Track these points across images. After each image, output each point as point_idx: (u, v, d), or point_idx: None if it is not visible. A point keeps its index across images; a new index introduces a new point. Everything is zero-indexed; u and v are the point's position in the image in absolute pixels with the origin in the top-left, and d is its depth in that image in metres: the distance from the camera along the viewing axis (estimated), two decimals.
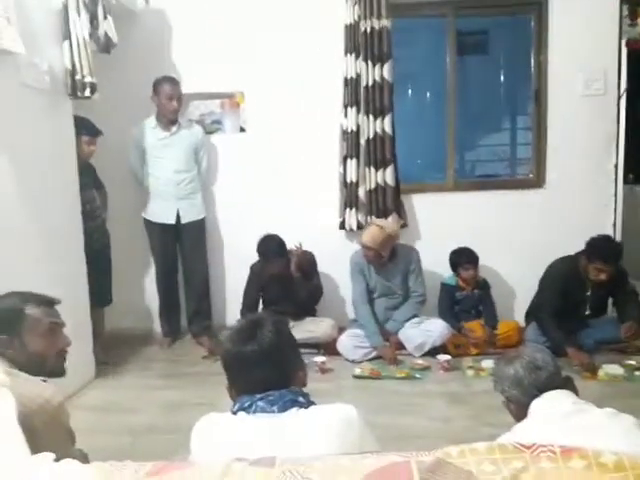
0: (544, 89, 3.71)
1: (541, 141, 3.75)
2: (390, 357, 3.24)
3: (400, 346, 3.38)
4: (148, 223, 3.63)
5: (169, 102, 3.45)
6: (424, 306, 3.49)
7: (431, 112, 4.89)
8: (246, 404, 1.27)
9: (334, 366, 3.20)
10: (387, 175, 3.67)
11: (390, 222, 3.53)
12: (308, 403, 1.32)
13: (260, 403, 1.26)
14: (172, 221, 3.56)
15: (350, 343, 3.32)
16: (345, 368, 3.19)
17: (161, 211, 3.57)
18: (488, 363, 3.05)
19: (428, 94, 5.22)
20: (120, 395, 2.95)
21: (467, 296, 3.58)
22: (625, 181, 4.57)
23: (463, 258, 3.53)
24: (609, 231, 3.64)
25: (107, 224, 3.46)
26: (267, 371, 1.28)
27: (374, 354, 3.31)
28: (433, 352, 3.27)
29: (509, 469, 0.97)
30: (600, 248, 3.09)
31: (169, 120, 3.51)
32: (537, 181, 3.78)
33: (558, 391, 1.39)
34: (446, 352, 3.27)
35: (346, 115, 3.66)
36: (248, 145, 3.80)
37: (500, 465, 0.99)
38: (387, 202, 3.69)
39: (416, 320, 3.39)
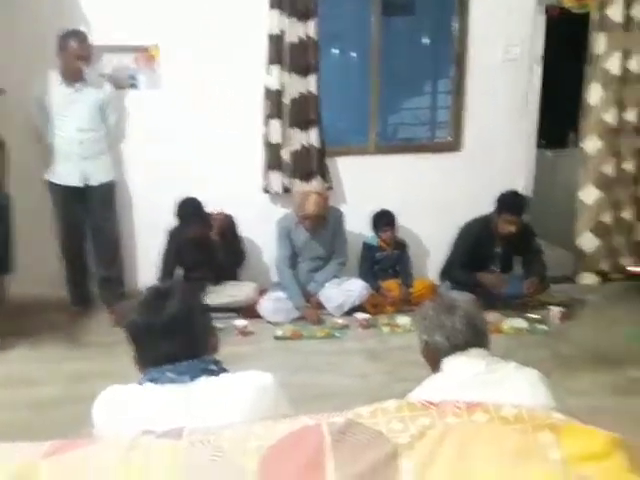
0: (465, 53, 3.75)
1: (460, 105, 3.83)
2: (313, 317, 3.28)
3: (320, 306, 3.42)
4: (52, 185, 3.35)
5: (75, 61, 3.16)
6: (345, 267, 3.53)
7: (355, 73, 4.84)
8: (154, 375, 1.22)
9: (255, 329, 3.19)
10: (312, 136, 3.62)
11: (317, 186, 3.50)
12: (220, 371, 1.29)
13: (169, 374, 1.22)
14: (77, 183, 3.31)
15: (272, 306, 3.32)
16: (266, 330, 3.18)
17: (65, 172, 3.31)
18: (403, 320, 3.17)
19: (353, 54, 5.16)
20: (22, 367, 2.78)
21: (386, 256, 3.66)
22: (537, 145, 4.80)
23: (382, 220, 3.61)
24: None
25: (8, 186, 3.18)
26: (176, 342, 1.23)
27: (295, 315, 3.33)
28: (352, 311, 3.34)
29: (416, 426, 1.00)
30: (507, 200, 3.29)
31: (74, 77, 3.23)
32: (455, 144, 3.88)
33: (477, 350, 1.43)
34: (364, 311, 3.35)
35: (270, 73, 3.54)
36: (164, 102, 3.59)
37: (408, 423, 1.01)
38: (312, 164, 3.65)
39: (336, 281, 3.44)
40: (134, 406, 1.20)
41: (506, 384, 1.32)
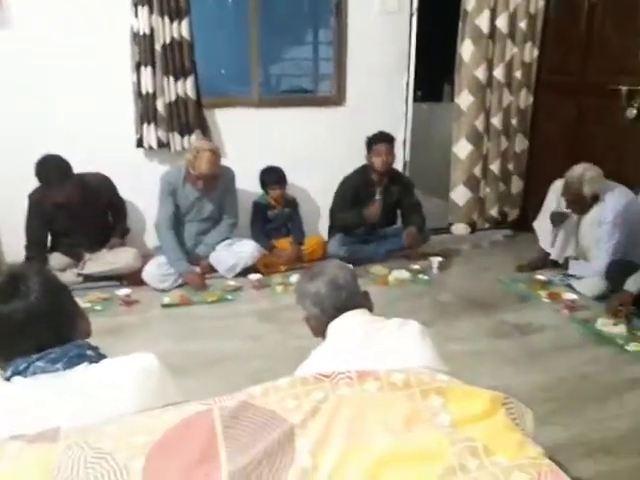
0: (344, 3, 3.69)
1: (342, 58, 3.79)
2: (197, 283, 3.16)
3: (212, 269, 3.32)
4: None
5: None
6: (236, 228, 3.43)
7: (233, 20, 4.58)
8: (21, 367, 1.09)
9: (140, 297, 3.02)
10: (187, 86, 3.39)
11: (213, 143, 3.32)
12: (98, 356, 1.18)
13: (39, 363, 1.09)
14: None
15: (157, 271, 3.14)
16: (153, 298, 3.03)
17: None
18: (295, 278, 3.17)
19: None
20: None
21: (277, 214, 3.61)
22: (414, 99, 4.94)
23: (270, 177, 3.53)
24: (400, 148, 3.92)
25: None
26: (40, 330, 1.10)
27: (181, 281, 3.20)
28: (244, 272, 3.28)
29: (310, 401, 0.99)
30: (375, 136, 3.43)
31: None
32: (338, 98, 3.85)
33: (355, 311, 1.45)
34: (257, 271, 3.31)
35: (136, 15, 3.21)
36: (15, 46, 3.12)
37: (302, 398, 1.00)
38: (189, 117, 3.43)
39: (227, 242, 3.34)
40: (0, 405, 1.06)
41: (390, 341, 1.34)
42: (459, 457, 0.87)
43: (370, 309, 1.53)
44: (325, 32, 4.47)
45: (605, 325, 2.62)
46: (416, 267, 3.43)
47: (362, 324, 1.40)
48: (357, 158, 3.52)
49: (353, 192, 3.48)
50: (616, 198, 2.96)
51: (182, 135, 3.44)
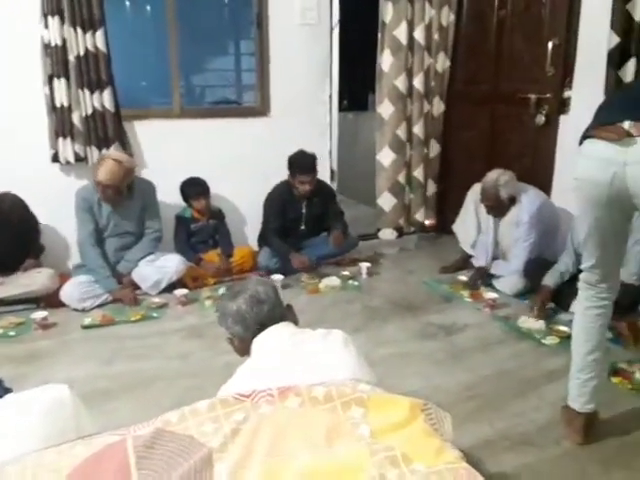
0: (265, 14, 3.69)
1: (264, 68, 3.78)
2: (129, 298, 3.04)
3: (136, 287, 3.20)
4: None
5: None
6: (160, 242, 3.33)
7: (153, 30, 4.47)
8: None
9: (59, 320, 2.85)
10: (105, 99, 3.27)
11: (125, 155, 3.18)
12: (4, 391, 1.10)
13: None
14: None
15: (76, 291, 2.99)
16: (72, 320, 2.87)
17: None
18: (225, 291, 3.11)
19: (147, 8, 4.74)
20: None
21: (202, 227, 3.54)
22: (341, 108, 5.02)
23: (193, 189, 3.46)
24: (326, 158, 3.96)
25: None
26: None
27: (104, 299, 3.06)
28: (171, 288, 3.18)
29: (230, 423, 0.96)
30: (297, 162, 3.42)
31: None
32: (262, 109, 3.84)
33: (278, 325, 1.43)
34: (184, 286, 3.22)
35: (47, 26, 3.08)
36: None
37: (222, 421, 0.97)
38: (108, 130, 3.31)
39: (150, 257, 3.22)
40: None
41: (314, 353, 1.34)
42: (379, 467, 0.87)
43: (295, 322, 1.52)
44: (247, 43, 4.47)
45: (525, 322, 2.75)
46: (346, 273, 3.46)
47: (286, 338, 1.39)
48: (283, 168, 3.52)
49: (280, 207, 3.49)
50: (531, 200, 3.13)
51: (100, 149, 3.32)
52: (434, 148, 4.20)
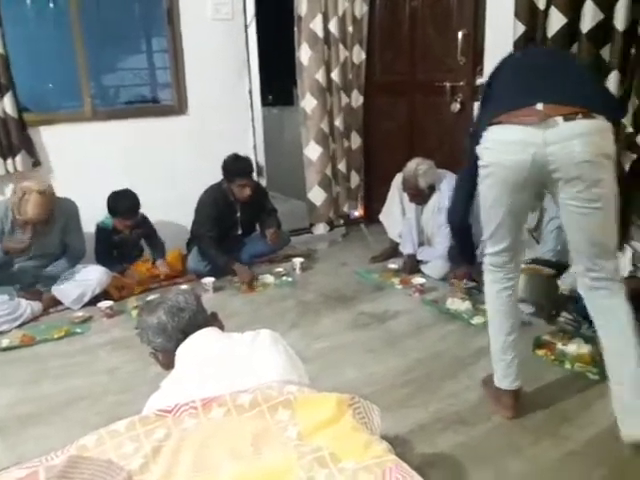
0: (176, 10, 3.57)
1: (179, 66, 3.66)
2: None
3: (57, 302, 3.02)
4: None
5: None
6: (81, 260, 3.15)
7: (57, 29, 4.22)
8: None
9: None
10: (6, 104, 3.05)
11: (43, 181, 2.92)
12: None
13: None
14: None
15: None
16: None
17: None
18: (153, 298, 3.00)
19: (51, 5, 4.47)
20: None
21: (126, 238, 3.36)
22: (266, 103, 4.95)
23: (122, 205, 3.20)
24: (251, 154, 3.90)
25: None
26: None
27: (24, 319, 2.87)
28: (95, 301, 3.03)
29: (151, 442, 0.92)
30: (232, 167, 3.31)
31: None
32: (180, 107, 3.72)
33: (202, 331, 1.39)
34: (109, 297, 3.07)
35: None
36: None
37: (142, 440, 0.92)
38: (12, 138, 3.10)
39: (70, 272, 3.05)
40: None
41: (242, 357, 1.30)
42: (308, 470, 0.86)
43: (221, 328, 1.47)
44: (160, 40, 4.31)
45: (452, 303, 2.83)
46: (279, 270, 3.44)
47: (211, 344, 1.34)
48: (205, 166, 3.43)
49: (216, 214, 3.35)
50: (450, 186, 3.21)
51: (5, 158, 3.11)
52: (356, 140, 4.24)
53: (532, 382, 2.07)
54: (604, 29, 2.70)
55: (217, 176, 3.38)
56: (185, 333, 1.37)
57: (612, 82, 2.70)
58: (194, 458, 0.89)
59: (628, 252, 2.29)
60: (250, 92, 3.93)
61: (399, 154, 3.79)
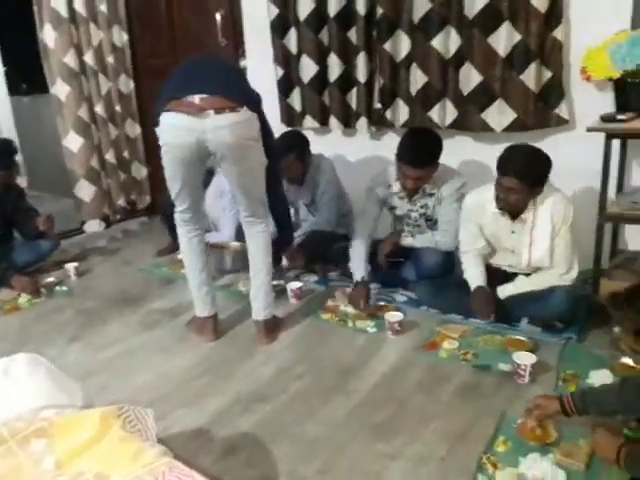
0: None
1: None
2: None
3: None
4: None
5: None
6: None
7: None
8: None
9: None
10: None
11: None
12: None
13: None
14: None
15: None
16: None
17: None
18: None
19: None
20: None
21: None
22: (18, 92, 4.33)
23: None
24: None
25: None
26: None
27: None
28: None
29: None
30: None
31: None
32: None
33: None
34: None
35: None
36: None
37: None
38: None
39: None
40: None
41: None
42: None
43: None
44: None
45: (244, 285, 2.84)
46: (51, 280, 3.05)
47: None
48: None
49: None
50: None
51: None
52: (133, 128, 3.98)
53: (322, 341, 2.23)
54: (348, 13, 2.95)
55: None
56: None
57: (360, 62, 2.97)
58: None
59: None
60: None
61: None
